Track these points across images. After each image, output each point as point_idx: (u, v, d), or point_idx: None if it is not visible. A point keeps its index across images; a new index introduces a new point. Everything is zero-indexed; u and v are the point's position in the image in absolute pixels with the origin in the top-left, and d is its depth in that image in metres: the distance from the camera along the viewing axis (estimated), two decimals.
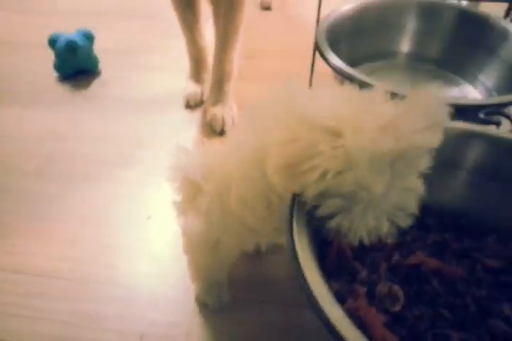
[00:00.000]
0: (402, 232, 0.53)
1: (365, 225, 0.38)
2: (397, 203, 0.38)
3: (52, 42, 1.16)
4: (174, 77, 1.20)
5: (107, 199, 0.87)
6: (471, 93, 0.82)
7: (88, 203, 0.86)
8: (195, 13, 1.06)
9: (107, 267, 0.74)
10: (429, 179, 0.56)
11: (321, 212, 0.38)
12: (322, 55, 0.71)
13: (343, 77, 0.67)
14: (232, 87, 1.07)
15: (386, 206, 0.38)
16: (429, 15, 0.86)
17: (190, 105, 1.10)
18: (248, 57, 1.31)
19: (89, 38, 1.19)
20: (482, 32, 0.80)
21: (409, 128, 0.36)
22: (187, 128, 1.05)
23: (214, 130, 1.03)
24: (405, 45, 0.90)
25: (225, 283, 0.67)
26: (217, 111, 1.03)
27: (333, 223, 0.38)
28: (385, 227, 0.39)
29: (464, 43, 0.84)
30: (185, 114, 1.09)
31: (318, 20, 0.82)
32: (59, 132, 1.02)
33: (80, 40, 1.15)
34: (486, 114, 0.56)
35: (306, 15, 1.52)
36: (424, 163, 0.39)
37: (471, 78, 0.84)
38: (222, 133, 1.02)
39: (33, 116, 1.07)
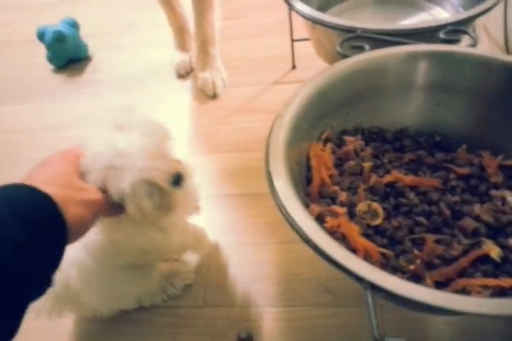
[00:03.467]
0: (378, 155, 0.58)
1: None
2: None
3: (41, 35, 1.20)
4: (161, 50, 1.23)
5: None
6: (441, 14, 0.83)
7: None
8: None
9: None
10: (398, 103, 0.60)
11: None
12: (289, 4, 0.73)
13: (312, 22, 0.69)
14: (217, 49, 1.10)
15: None
16: None
17: (181, 74, 1.14)
18: (229, 17, 1.32)
19: (74, 25, 1.23)
20: None
21: None
22: (180, 96, 1.09)
23: (207, 94, 1.06)
24: None
25: None
26: (206, 75, 1.06)
27: None
28: None
29: None
30: (178, 83, 1.13)
31: None
32: (62, 121, 1.08)
33: (66, 30, 1.19)
34: (446, 34, 0.58)
35: None
36: None
37: (440, 1, 0.84)
38: (214, 96, 1.06)
39: (36, 109, 1.14)
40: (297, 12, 0.73)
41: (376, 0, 0.88)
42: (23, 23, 1.49)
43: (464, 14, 0.63)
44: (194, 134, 1.00)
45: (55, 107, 1.13)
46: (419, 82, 0.57)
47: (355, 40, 0.61)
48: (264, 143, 0.50)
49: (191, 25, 1.13)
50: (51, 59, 1.23)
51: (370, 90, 0.58)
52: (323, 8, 0.89)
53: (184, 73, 1.14)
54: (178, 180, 0.49)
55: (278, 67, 1.11)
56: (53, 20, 1.26)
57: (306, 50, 1.03)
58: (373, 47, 0.59)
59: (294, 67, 1.10)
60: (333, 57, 0.80)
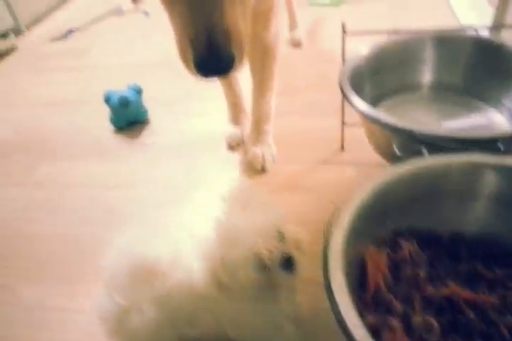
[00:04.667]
0: (433, 263, 0.57)
1: None
2: None
3: (107, 99, 1.30)
4: (214, 121, 1.30)
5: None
6: (497, 118, 0.84)
7: None
8: None
9: None
10: (456, 208, 0.60)
11: None
12: (347, 99, 0.77)
13: (367, 119, 0.72)
14: (271, 126, 1.15)
15: None
16: (445, 46, 0.90)
17: (232, 146, 1.19)
18: (282, 93, 1.39)
19: (138, 92, 1.33)
20: (499, 58, 0.82)
21: None
22: (230, 168, 1.13)
23: (256, 168, 1.10)
24: (427, 76, 0.94)
25: None
26: (257, 150, 1.10)
27: None
28: None
29: (483, 70, 0.87)
30: (228, 155, 1.18)
31: (343, 61, 0.89)
32: (118, 180, 1.14)
33: (130, 96, 1.29)
34: (504, 144, 0.59)
35: (336, 48, 1.59)
36: None
37: (495, 103, 0.86)
38: (263, 170, 1.09)
39: (93, 167, 1.20)
40: (352, 107, 0.76)
41: (430, 96, 0.92)
42: (91, 82, 1.62)
43: None
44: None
45: (112, 167, 1.19)
46: (481, 192, 0.57)
47: (412, 144, 0.63)
48: (303, 224, 0.52)
49: (246, 100, 1.20)
50: (114, 121, 1.32)
51: (429, 195, 0.59)
52: (376, 99, 0.93)
53: (235, 145, 1.19)
54: (288, 264, 0.49)
55: (327, 146, 1.15)
56: (120, 83, 1.37)
57: (356, 132, 1.07)
58: (430, 150, 0.61)
59: (342, 148, 1.13)
60: (385, 151, 0.83)
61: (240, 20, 0.58)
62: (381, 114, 0.71)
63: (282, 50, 1.63)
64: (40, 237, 1.00)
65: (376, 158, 0.93)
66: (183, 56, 0.59)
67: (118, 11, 2.19)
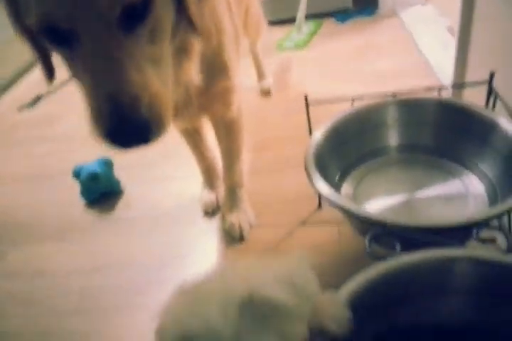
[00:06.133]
0: None
1: None
2: None
3: (77, 174, 1.27)
4: (190, 183, 1.27)
5: (145, 325, 0.89)
6: (474, 184, 0.81)
7: (128, 333, 0.89)
8: (199, 133, 1.14)
9: None
10: (433, 303, 0.56)
11: None
12: (312, 184, 0.75)
13: (339, 210, 0.70)
14: (244, 191, 1.12)
15: None
16: (409, 110, 0.88)
17: (208, 212, 1.16)
18: (254, 149, 1.37)
19: (108, 164, 1.30)
20: (468, 121, 0.81)
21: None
22: (207, 238, 1.10)
23: (233, 237, 1.06)
24: (394, 139, 0.92)
25: None
26: (233, 219, 1.07)
27: None
28: None
29: (454, 132, 0.85)
30: (204, 222, 1.14)
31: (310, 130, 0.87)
32: (91, 263, 1.09)
33: (100, 169, 1.26)
34: (478, 233, 0.56)
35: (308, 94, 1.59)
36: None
37: (471, 166, 0.84)
38: (241, 239, 1.06)
39: (66, 248, 1.15)
40: (321, 195, 0.73)
41: (401, 159, 0.89)
42: (56, 155, 1.58)
43: (496, 209, 0.61)
44: None
45: (86, 247, 1.14)
46: (456, 285, 0.54)
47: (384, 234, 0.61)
48: None
49: (219, 164, 1.18)
50: (84, 194, 1.28)
51: (405, 294, 0.55)
52: (345, 170, 0.90)
53: (211, 211, 1.16)
54: None
55: (304, 205, 1.12)
56: (90, 152, 1.34)
57: None
58: (402, 240, 0.58)
59: (319, 206, 1.10)
60: (360, 232, 0.79)
61: (152, 83, 0.53)
62: (351, 205, 0.68)
63: (252, 102, 1.64)
64: (9, 335, 0.95)
65: None
66: (95, 129, 0.54)
67: None
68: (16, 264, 1.14)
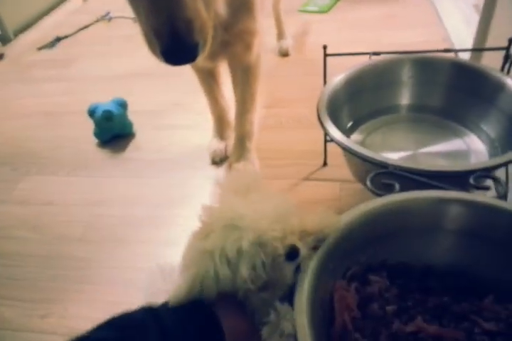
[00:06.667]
0: (403, 296, 0.58)
1: None
2: None
3: (91, 112, 1.29)
4: (200, 133, 1.30)
5: (143, 260, 0.95)
6: (476, 143, 0.84)
7: (126, 265, 0.94)
8: (215, 78, 1.16)
9: None
10: (426, 243, 0.60)
11: None
12: (323, 128, 0.77)
13: (344, 151, 0.73)
14: (253, 143, 1.15)
15: None
16: (424, 68, 0.90)
17: (216, 161, 1.19)
18: (268, 106, 1.39)
19: (123, 105, 1.32)
20: (478, 82, 0.83)
21: None
22: (213, 183, 1.13)
23: None
24: (405, 98, 0.94)
25: None
26: (240, 166, 1.10)
27: None
28: None
29: (463, 93, 0.87)
30: (211, 170, 1.18)
31: (325, 82, 0.89)
32: (98, 197, 1.13)
33: (115, 109, 1.28)
34: (475, 179, 0.60)
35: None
36: None
37: (474, 128, 0.86)
38: None
39: (76, 182, 1.20)
40: (330, 137, 0.76)
41: (410, 118, 0.92)
42: (75, 93, 1.61)
43: (496, 160, 0.64)
44: None
45: (95, 182, 1.19)
46: (447, 226, 0.58)
47: (385, 175, 0.64)
48: None
49: (232, 114, 1.20)
50: (98, 134, 1.31)
51: (399, 229, 0.59)
52: (355, 123, 0.93)
53: (218, 160, 1.19)
54: (292, 255, 0.49)
55: (309, 162, 1.15)
56: (106, 94, 1.36)
57: (339, 149, 1.07)
58: (402, 184, 0.61)
59: (325, 164, 1.13)
60: (362, 179, 0.83)
61: (202, 9, 0.60)
62: (357, 146, 0.71)
63: (270, 61, 1.65)
64: (18, 256, 1.00)
65: None
66: (150, 47, 0.62)
67: (107, 18, 2.18)
68: (27, 192, 1.19)
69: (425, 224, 0.58)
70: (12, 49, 2.02)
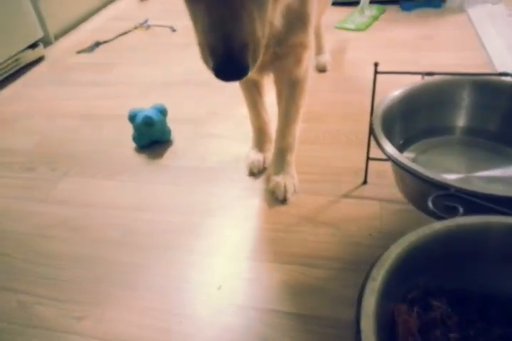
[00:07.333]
0: (464, 324, 0.56)
1: None
2: None
3: (132, 118, 1.31)
4: (238, 143, 1.31)
5: (181, 268, 0.95)
6: None
7: (164, 272, 0.94)
8: (259, 89, 1.17)
9: (180, 337, 0.81)
10: (491, 271, 0.59)
11: None
12: (379, 145, 0.77)
13: (401, 169, 0.72)
14: (294, 157, 1.15)
15: None
16: (482, 91, 0.89)
17: (254, 172, 1.19)
18: (305, 120, 1.39)
19: (163, 112, 1.34)
20: None
21: None
22: (251, 195, 1.13)
23: (276, 197, 1.09)
24: (461, 120, 0.93)
25: None
26: (279, 179, 1.10)
27: None
28: None
29: None
30: (249, 181, 1.18)
31: (372, 105, 0.88)
32: (136, 202, 1.14)
33: (155, 115, 1.29)
34: None
35: (362, 76, 1.60)
36: None
37: None
38: (284, 200, 1.09)
39: (114, 186, 1.20)
40: (384, 153, 0.76)
41: (464, 141, 0.91)
42: (116, 98, 1.63)
43: None
44: (258, 238, 1.02)
45: (133, 187, 1.19)
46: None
47: (446, 198, 0.63)
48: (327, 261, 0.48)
49: (272, 126, 1.21)
50: (136, 139, 1.33)
51: (464, 254, 0.58)
52: (406, 141, 0.92)
53: (256, 172, 1.19)
54: None
55: (348, 179, 1.14)
56: (144, 100, 1.38)
57: (380, 166, 1.06)
58: (465, 207, 0.60)
59: (365, 182, 1.12)
60: (415, 199, 0.82)
61: (258, 29, 0.63)
62: (416, 165, 0.70)
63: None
64: (59, 256, 1.00)
65: (400, 193, 0.92)
66: (204, 59, 0.65)
67: (145, 25, 2.22)
68: (66, 193, 1.20)
69: (494, 251, 0.57)
70: (52, 51, 2.07)
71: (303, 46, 0.92)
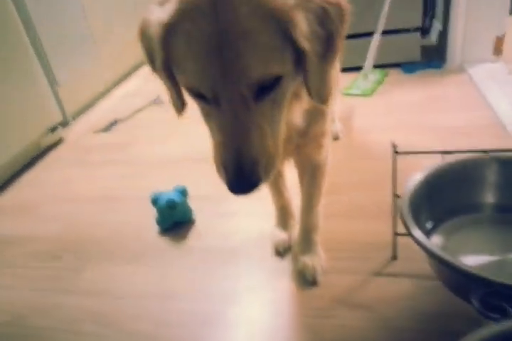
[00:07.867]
0: None
1: None
2: None
3: (154, 201, 1.33)
4: (258, 220, 1.31)
5: None
6: None
7: None
8: (280, 171, 1.18)
9: None
10: None
11: None
12: (412, 237, 0.76)
13: (439, 263, 0.71)
14: (319, 236, 1.14)
15: None
16: (506, 166, 0.90)
17: (279, 251, 1.18)
18: (326, 192, 1.39)
19: (183, 193, 1.36)
20: None
21: None
22: (278, 277, 1.11)
23: (306, 278, 1.07)
24: (490, 197, 0.93)
25: None
26: (307, 260, 1.09)
27: None
28: None
29: None
30: (275, 261, 1.16)
31: (394, 186, 0.90)
32: (165, 289, 1.12)
33: (177, 197, 1.31)
34: None
35: (373, 141, 1.63)
36: None
37: None
38: (314, 282, 1.06)
39: (141, 272, 1.19)
40: (417, 244, 0.75)
41: (496, 218, 0.90)
42: (133, 179, 1.66)
43: None
44: (294, 326, 0.98)
45: (161, 273, 1.18)
46: None
47: (491, 294, 0.61)
48: None
49: (294, 204, 1.21)
50: (160, 222, 1.34)
51: None
52: (434, 222, 0.92)
53: (282, 251, 1.18)
54: None
55: (376, 255, 1.12)
56: (162, 180, 1.41)
57: (406, 239, 1.05)
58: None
59: (394, 257, 1.10)
60: (455, 286, 0.79)
61: (269, 144, 0.64)
62: (459, 261, 0.69)
63: None
64: None
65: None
66: (218, 171, 0.67)
67: (157, 102, 2.31)
68: (92, 283, 1.18)
69: None
70: (70, 133, 2.14)
71: (322, 134, 0.95)
